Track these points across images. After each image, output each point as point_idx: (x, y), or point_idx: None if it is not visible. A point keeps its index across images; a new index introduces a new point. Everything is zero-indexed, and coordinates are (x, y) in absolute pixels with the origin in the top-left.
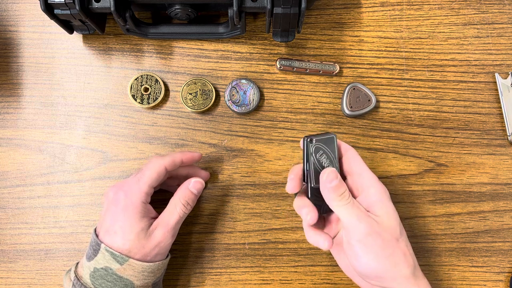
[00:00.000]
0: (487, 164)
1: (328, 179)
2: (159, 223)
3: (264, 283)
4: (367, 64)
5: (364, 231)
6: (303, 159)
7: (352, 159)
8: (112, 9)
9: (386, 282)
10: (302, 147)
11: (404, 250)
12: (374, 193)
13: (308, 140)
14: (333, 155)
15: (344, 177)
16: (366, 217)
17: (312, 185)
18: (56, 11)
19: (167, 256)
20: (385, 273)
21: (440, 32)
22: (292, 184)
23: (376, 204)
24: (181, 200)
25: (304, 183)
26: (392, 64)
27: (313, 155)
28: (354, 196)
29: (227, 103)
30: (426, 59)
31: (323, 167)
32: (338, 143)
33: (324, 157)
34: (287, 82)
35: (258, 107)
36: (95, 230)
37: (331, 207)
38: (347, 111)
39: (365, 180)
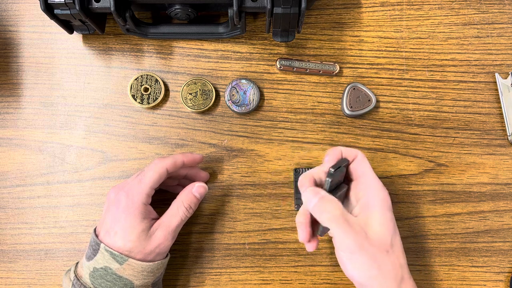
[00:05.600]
0: (487, 164)
1: (308, 199)
2: (160, 224)
3: (264, 283)
4: (367, 64)
5: (350, 247)
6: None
7: (358, 163)
8: (112, 9)
9: None
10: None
11: (393, 262)
12: (373, 199)
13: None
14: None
15: (351, 180)
16: (353, 232)
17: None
18: (56, 11)
19: (166, 256)
20: (369, 285)
21: (440, 32)
22: (303, 232)
23: (372, 212)
24: (184, 203)
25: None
26: (392, 64)
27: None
28: (356, 200)
29: (227, 103)
30: (426, 59)
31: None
32: (346, 150)
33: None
34: (287, 82)
35: (258, 107)
36: (94, 230)
37: (320, 222)
38: (347, 111)
39: (367, 184)
